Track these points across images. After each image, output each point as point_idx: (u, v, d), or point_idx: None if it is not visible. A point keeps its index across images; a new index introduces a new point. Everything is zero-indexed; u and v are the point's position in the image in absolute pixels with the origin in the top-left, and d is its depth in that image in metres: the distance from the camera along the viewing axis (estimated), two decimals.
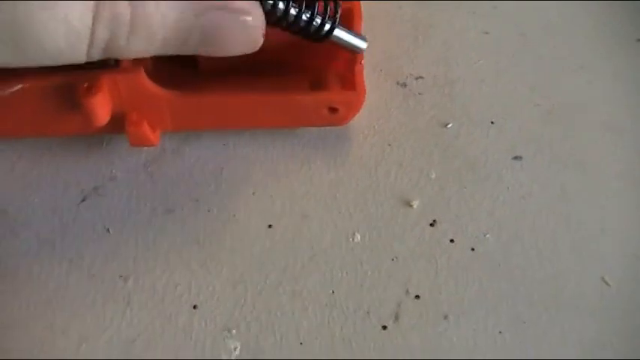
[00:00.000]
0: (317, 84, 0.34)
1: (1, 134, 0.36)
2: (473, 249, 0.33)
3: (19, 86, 0.31)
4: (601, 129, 0.37)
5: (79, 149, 0.36)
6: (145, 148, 0.36)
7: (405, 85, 0.38)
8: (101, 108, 0.32)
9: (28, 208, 0.34)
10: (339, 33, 0.33)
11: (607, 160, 0.36)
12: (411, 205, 0.34)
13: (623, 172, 0.36)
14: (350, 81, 0.34)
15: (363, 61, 0.34)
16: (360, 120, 0.35)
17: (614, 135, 0.37)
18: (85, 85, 0.32)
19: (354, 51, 0.34)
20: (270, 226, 0.34)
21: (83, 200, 0.34)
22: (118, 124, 0.34)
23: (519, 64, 0.39)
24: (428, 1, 0.42)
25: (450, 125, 0.37)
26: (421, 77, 0.38)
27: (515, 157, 0.36)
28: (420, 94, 0.38)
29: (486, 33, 0.40)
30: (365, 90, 0.34)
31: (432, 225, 0.34)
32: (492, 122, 0.37)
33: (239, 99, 0.34)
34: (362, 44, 0.34)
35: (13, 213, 0.34)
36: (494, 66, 0.39)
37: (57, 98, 0.33)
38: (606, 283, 0.32)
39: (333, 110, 0.34)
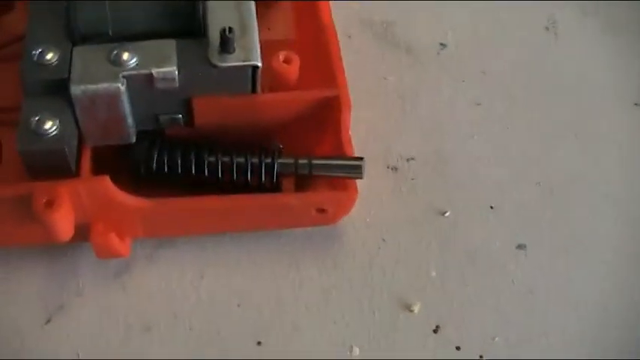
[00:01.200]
0: (303, 182, 0.31)
1: None
2: (481, 356, 0.30)
3: None
4: (602, 203, 0.35)
5: (40, 260, 0.32)
6: None
7: (395, 169, 0.35)
8: (63, 224, 0.29)
9: None
10: (319, 171, 0.31)
11: (611, 240, 0.34)
12: (411, 310, 0.31)
13: (628, 252, 0.34)
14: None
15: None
16: (350, 213, 0.32)
17: (615, 209, 0.35)
18: (44, 200, 0.28)
19: (351, 177, 0.31)
20: (259, 343, 0.30)
21: (48, 321, 0.31)
22: (83, 232, 0.30)
23: (514, 136, 0.37)
24: (414, 65, 0.39)
25: (447, 214, 0.34)
26: (412, 158, 0.35)
27: (519, 246, 0.33)
28: (412, 179, 0.35)
29: (478, 104, 0.38)
30: (356, 187, 0.31)
31: (435, 331, 0.31)
32: (492, 207, 0.34)
33: (215, 203, 0.31)
34: (356, 165, 0.31)
35: None
36: (488, 140, 0.37)
37: (14, 209, 0.29)
38: None
39: (321, 211, 0.31)
